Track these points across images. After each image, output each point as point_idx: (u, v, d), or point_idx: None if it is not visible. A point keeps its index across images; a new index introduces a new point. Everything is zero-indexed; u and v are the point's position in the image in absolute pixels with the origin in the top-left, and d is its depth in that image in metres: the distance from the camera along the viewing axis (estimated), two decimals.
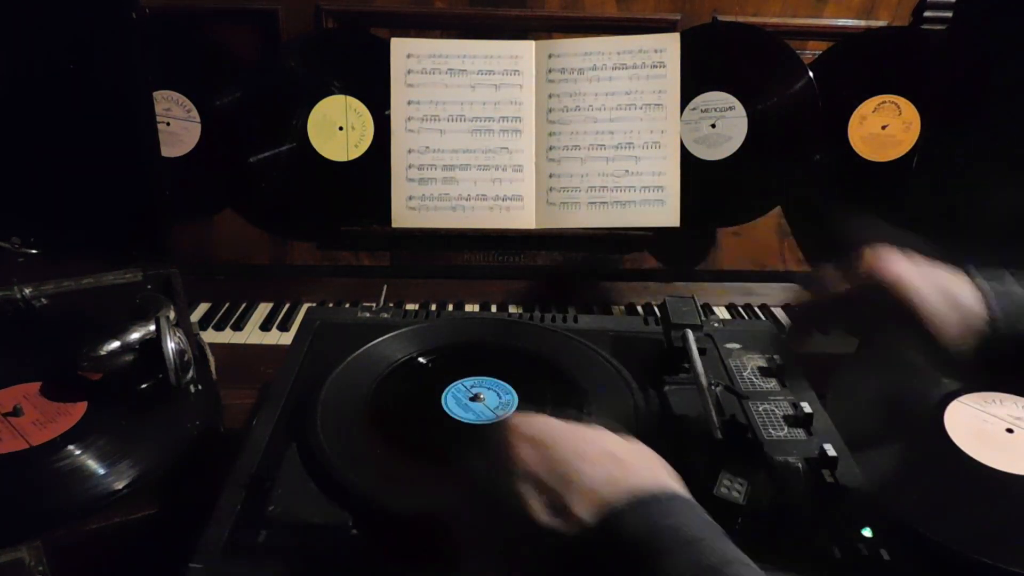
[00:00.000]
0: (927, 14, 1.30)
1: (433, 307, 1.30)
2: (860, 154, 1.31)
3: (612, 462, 0.43)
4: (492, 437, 0.48)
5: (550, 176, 1.28)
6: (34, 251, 0.90)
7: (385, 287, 1.02)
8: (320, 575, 0.54)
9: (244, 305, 1.30)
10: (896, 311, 0.54)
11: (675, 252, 1.35)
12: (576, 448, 0.45)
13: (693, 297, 0.83)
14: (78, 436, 0.70)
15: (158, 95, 1.23)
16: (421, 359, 0.79)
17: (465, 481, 0.48)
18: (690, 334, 0.77)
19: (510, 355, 0.80)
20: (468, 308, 1.32)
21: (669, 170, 1.26)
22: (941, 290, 0.53)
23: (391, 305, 0.93)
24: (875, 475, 0.64)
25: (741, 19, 1.31)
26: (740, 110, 1.28)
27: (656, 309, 1.32)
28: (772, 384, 0.78)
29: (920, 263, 0.54)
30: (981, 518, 0.67)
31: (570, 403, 0.72)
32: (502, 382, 0.74)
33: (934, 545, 0.60)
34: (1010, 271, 0.54)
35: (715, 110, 1.29)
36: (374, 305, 0.92)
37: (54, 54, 0.84)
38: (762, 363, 0.81)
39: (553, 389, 0.73)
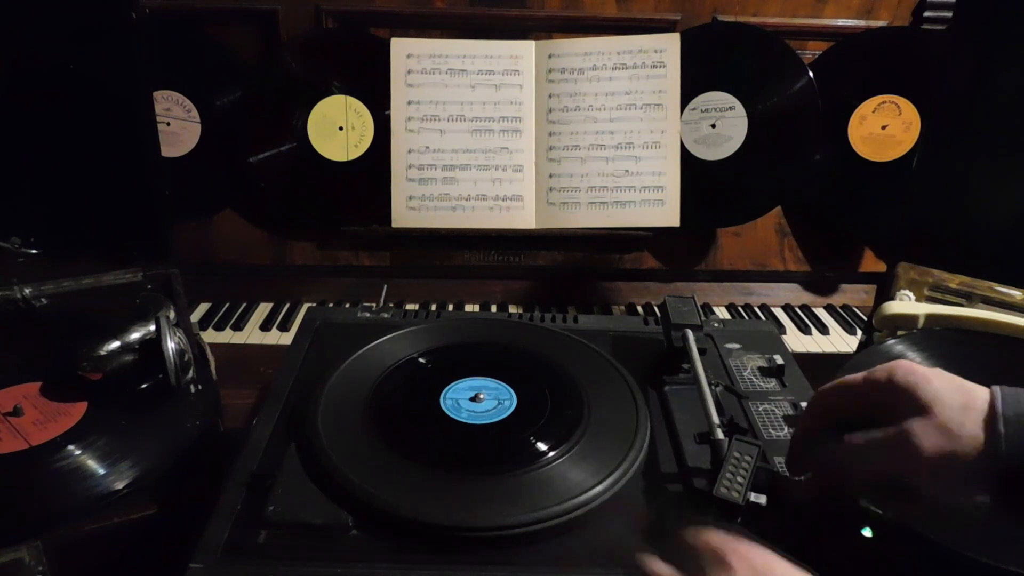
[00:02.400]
0: (927, 14, 1.30)
1: (433, 307, 1.30)
2: (860, 154, 1.31)
3: None
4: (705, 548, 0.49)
5: (550, 176, 1.28)
6: (34, 251, 0.90)
7: (385, 287, 1.02)
8: (320, 575, 0.54)
9: (244, 305, 1.30)
10: (906, 400, 0.51)
11: (675, 252, 1.35)
12: None
13: (693, 297, 0.83)
14: (78, 436, 0.70)
15: (158, 95, 1.23)
16: (421, 359, 0.79)
17: None
18: (690, 334, 0.77)
19: (510, 355, 0.80)
20: (468, 308, 1.32)
21: (669, 170, 1.26)
22: (957, 385, 0.50)
23: (391, 305, 0.93)
24: None
25: (741, 19, 1.31)
26: (740, 110, 1.28)
27: (656, 309, 1.32)
28: (772, 384, 0.78)
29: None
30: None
31: (570, 403, 0.72)
32: (502, 382, 0.74)
33: (934, 545, 0.60)
34: None
35: (715, 110, 1.29)
36: (374, 305, 0.92)
37: (54, 54, 0.84)
38: (762, 363, 0.81)
39: (553, 389, 0.73)
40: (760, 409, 0.73)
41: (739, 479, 0.59)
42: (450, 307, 1.32)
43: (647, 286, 1.36)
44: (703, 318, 0.81)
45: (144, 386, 0.76)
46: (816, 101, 1.27)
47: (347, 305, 1.29)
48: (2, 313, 0.83)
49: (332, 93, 1.27)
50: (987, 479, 0.47)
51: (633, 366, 0.78)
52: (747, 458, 0.61)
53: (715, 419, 0.66)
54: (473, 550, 0.56)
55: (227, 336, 1.22)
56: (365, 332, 0.82)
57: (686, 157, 1.28)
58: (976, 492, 0.47)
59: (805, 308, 1.36)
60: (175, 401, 0.76)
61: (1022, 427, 0.46)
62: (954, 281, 0.90)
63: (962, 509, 0.48)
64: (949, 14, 1.24)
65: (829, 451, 0.55)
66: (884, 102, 1.29)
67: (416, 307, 1.29)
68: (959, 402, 0.49)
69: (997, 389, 0.49)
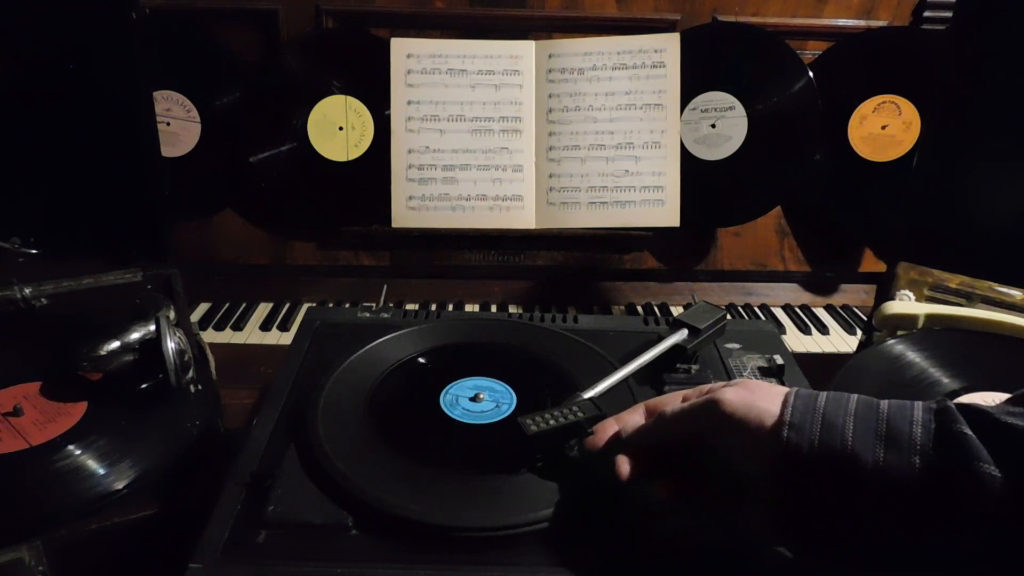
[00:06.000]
0: (927, 14, 1.30)
1: (433, 307, 1.30)
2: (860, 154, 1.31)
3: None
4: None
5: (550, 176, 1.28)
6: (34, 251, 0.90)
7: (385, 287, 1.02)
8: (320, 575, 0.54)
9: (244, 305, 1.30)
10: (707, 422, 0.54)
11: (675, 252, 1.35)
12: None
13: (725, 312, 0.82)
14: (78, 436, 0.70)
15: (158, 95, 1.23)
16: (421, 359, 0.79)
17: None
18: (683, 332, 0.77)
19: (510, 355, 0.80)
20: (468, 308, 1.32)
21: (669, 170, 1.27)
22: (749, 395, 0.53)
23: (391, 305, 0.93)
24: None
25: (741, 19, 1.31)
26: (740, 110, 1.28)
27: (656, 309, 1.32)
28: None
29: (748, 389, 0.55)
30: None
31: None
32: (502, 382, 0.74)
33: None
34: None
35: (715, 110, 1.29)
36: (374, 305, 0.92)
37: (54, 54, 0.84)
38: (762, 363, 0.81)
39: (553, 389, 0.73)
40: None
41: (551, 421, 0.62)
42: (450, 307, 1.32)
43: (647, 286, 1.36)
44: (709, 329, 0.80)
45: (144, 386, 0.76)
46: (816, 101, 1.28)
47: (347, 305, 1.29)
48: (2, 313, 0.83)
49: (332, 93, 1.27)
50: (773, 451, 0.50)
51: None
52: (579, 414, 0.63)
53: (602, 387, 0.68)
54: (473, 550, 0.56)
55: (227, 336, 1.22)
56: (365, 332, 0.82)
57: (686, 157, 1.28)
58: (762, 460, 0.50)
59: (805, 308, 1.36)
60: (175, 401, 0.76)
61: (806, 415, 0.50)
62: (954, 281, 0.90)
63: (747, 475, 0.52)
64: (949, 14, 1.24)
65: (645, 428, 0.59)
66: (884, 102, 1.29)
67: (416, 307, 1.29)
68: (762, 385, 0.55)
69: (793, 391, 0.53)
